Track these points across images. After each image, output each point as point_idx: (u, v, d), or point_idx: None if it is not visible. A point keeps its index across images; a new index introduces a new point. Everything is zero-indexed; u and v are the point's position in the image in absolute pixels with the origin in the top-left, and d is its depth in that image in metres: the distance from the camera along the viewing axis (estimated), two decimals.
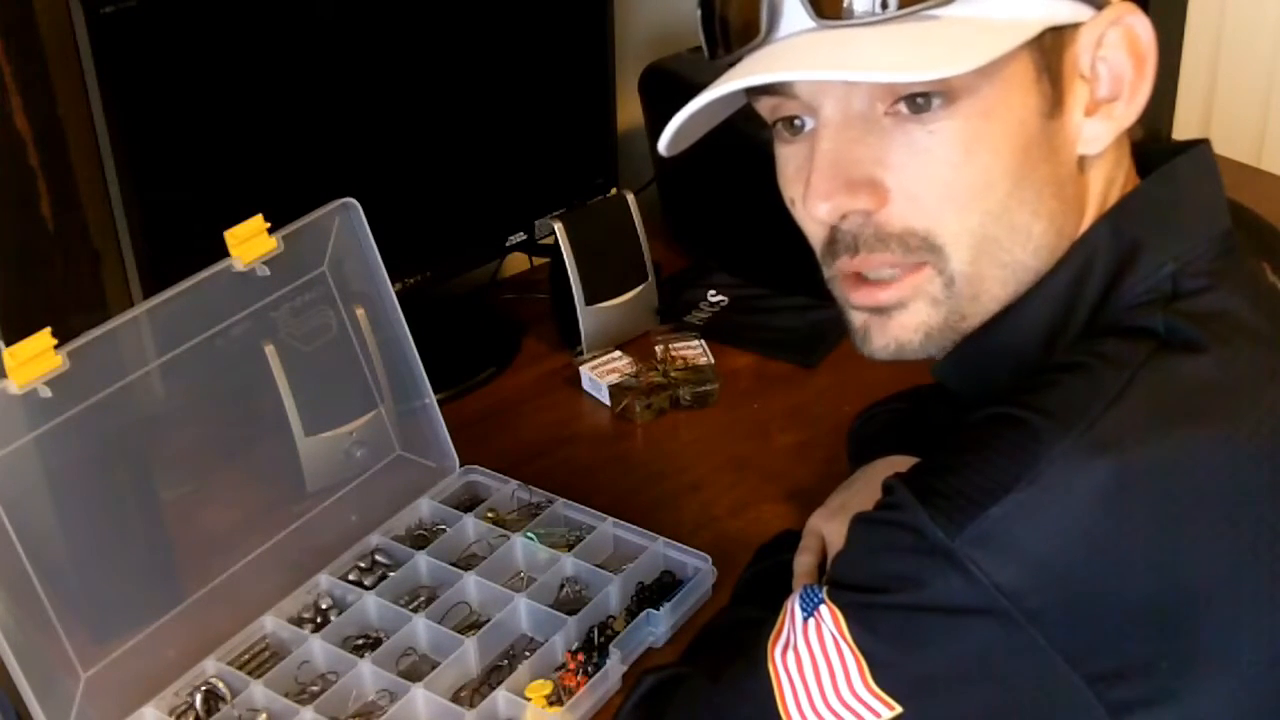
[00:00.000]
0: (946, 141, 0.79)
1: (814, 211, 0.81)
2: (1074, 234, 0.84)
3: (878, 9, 0.77)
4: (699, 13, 0.85)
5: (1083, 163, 0.83)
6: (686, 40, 1.67)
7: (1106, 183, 0.85)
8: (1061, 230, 0.83)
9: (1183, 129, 2.16)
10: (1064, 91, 0.81)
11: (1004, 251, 0.82)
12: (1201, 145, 0.87)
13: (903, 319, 0.84)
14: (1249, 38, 2.22)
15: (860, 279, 0.85)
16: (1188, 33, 2.08)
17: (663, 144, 0.87)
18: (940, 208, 0.80)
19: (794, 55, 0.79)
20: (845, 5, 0.77)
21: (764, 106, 0.85)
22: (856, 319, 0.87)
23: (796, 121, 0.84)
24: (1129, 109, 0.82)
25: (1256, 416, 0.76)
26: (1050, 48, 0.80)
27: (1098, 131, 0.82)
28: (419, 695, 1.07)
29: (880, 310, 0.85)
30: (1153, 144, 0.89)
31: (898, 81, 0.77)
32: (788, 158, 0.86)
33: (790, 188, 0.86)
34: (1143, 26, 0.81)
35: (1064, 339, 0.83)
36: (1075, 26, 0.80)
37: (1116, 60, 0.82)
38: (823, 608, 0.80)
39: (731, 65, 0.83)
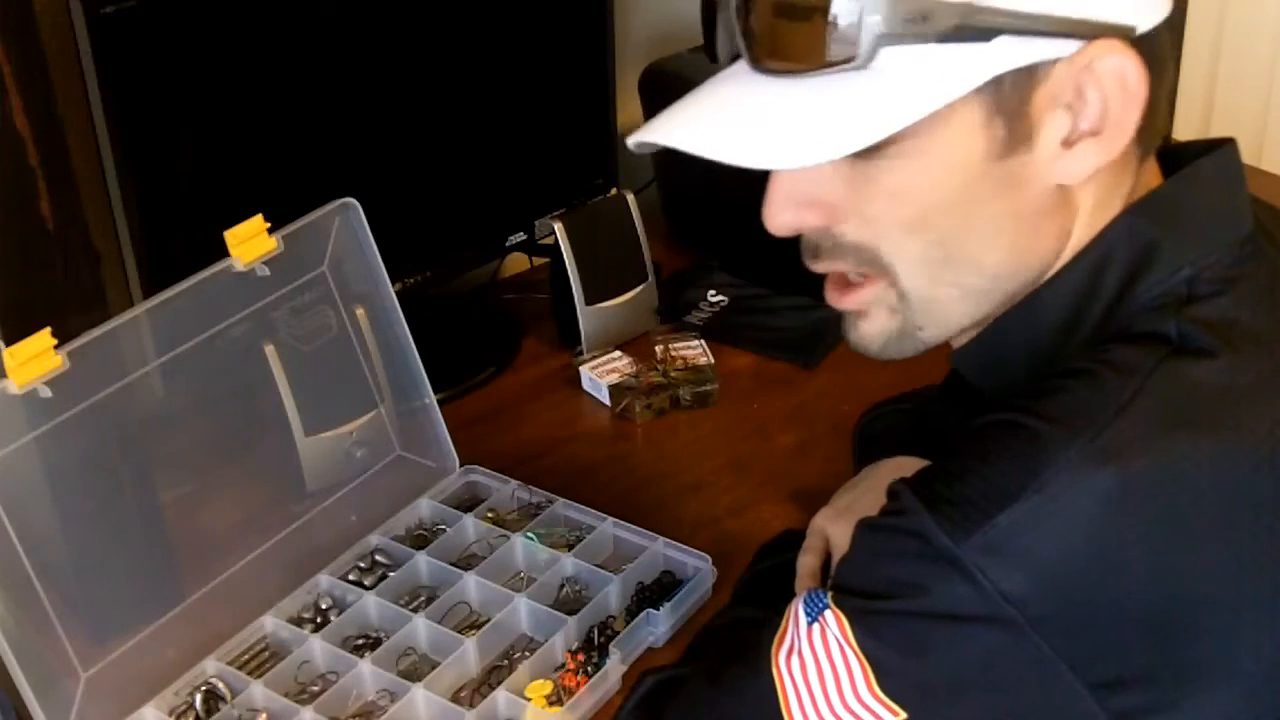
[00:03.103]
0: (884, 178, 0.79)
1: (771, 228, 0.83)
2: (1052, 256, 0.83)
3: (811, 60, 0.75)
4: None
5: (1067, 189, 0.81)
6: (686, 40, 1.67)
7: (1100, 203, 0.82)
8: (1035, 258, 0.82)
9: (1183, 129, 2.16)
10: (1032, 128, 0.78)
11: (953, 274, 0.82)
12: (1226, 146, 0.86)
13: (863, 325, 0.87)
14: (1249, 38, 2.22)
15: (832, 278, 0.87)
16: (1188, 33, 2.08)
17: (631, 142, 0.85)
18: (887, 231, 0.81)
19: (712, 102, 0.79)
20: (777, 57, 0.76)
21: None
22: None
23: None
24: (1112, 144, 0.78)
25: (1263, 426, 0.76)
26: (1010, 88, 0.76)
27: (1076, 165, 0.79)
28: (419, 695, 1.07)
29: (848, 313, 0.87)
30: (1180, 143, 0.87)
31: (753, 168, 0.77)
32: None
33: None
34: (1129, 66, 0.76)
35: (1077, 336, 0.82)
36: (1052, 62, 0.76)
37: (1098, 97, 0.77)
38: (827, 613, 0.80)
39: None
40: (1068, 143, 0.78)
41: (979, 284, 0.83)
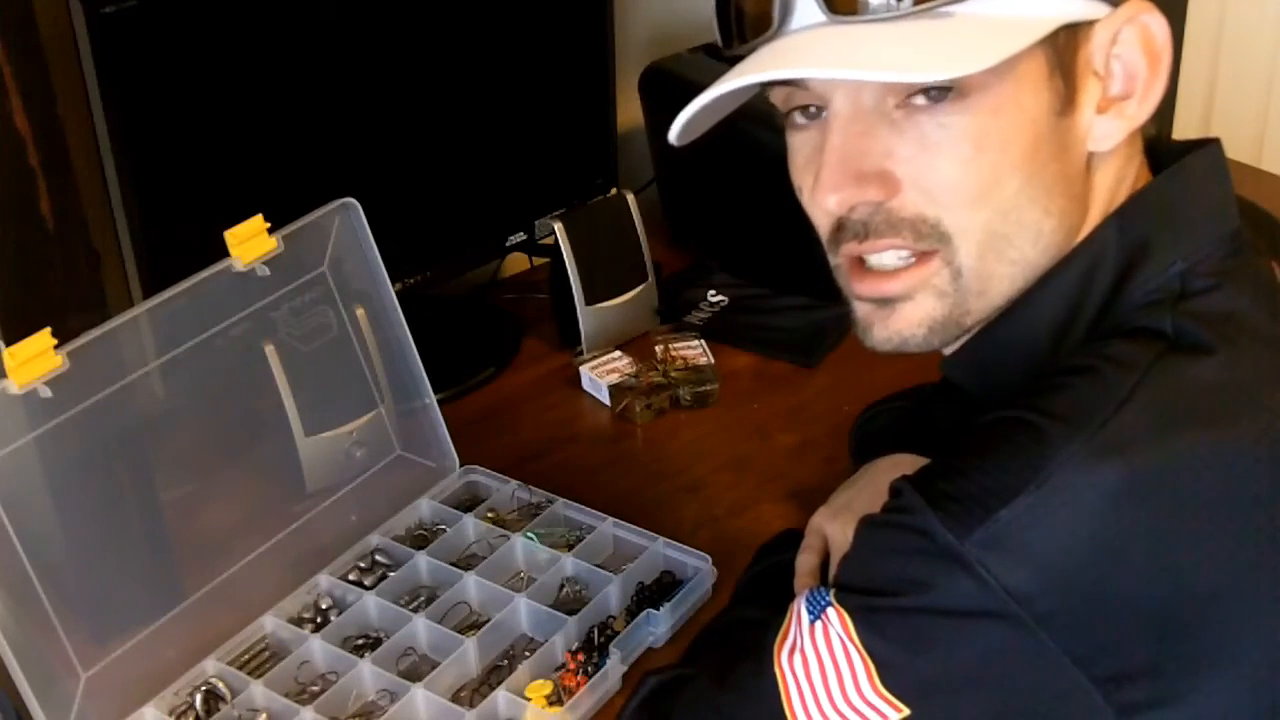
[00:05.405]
0: (956, 136, 0.79)
1: (823, 203, 0.82)
2: (1076, 233, 0.84)
3: (892, 4, 0.77)
4: (714, 2, 0.85)
5: (1092, 160, 0.83)
6: (686, 40, 1.67)
7: (1116, 180, 0.85)
8: (1071, 228, 0.83)
9: (1183, 129, 2.16)
10: (1076, 89, 0.81)
11: (1013, 248, 0.82)
12: (1213, 144, 0.87)
13: (907, 311, 0.84)
14: (1249, 38, 2.22)
15: (865, 269, 0.85)
16: (1188, 33, 2.08)
17: (673, 134, 0.86)
18: (951, 200, 0.81)
19: (805, 50, 0.79)
20: (859, 1, 0.77)
21: (777, 96, 0.86)
22: (860, 310, 0.87)
23: (810, 109, 0.84)
24: (1142, 107, 0.82)
25: (1263, 419, 0.76)
26: (1064, 45, 0.79)
27: (1109, 129, 0.82)
28: (419, 695, 1.07)
29: (885, 302, 0.85)
30: (1164, 142, 0.89)
31: (907, 81, 0.77)
32: (799, 146, 0.86)
33: (800, 176, 0.86)
34: (1158, 25, 0.81)
35: (1072, 336, 0.83)
36: (1090, 24, 0.80)
37: (1131, 58, 0.81)
38: (830, 610, 0.80)
39: (745, 55, 0.83)
40: (1102, 106, 0.82)
41: (1031, 255, 0.83)
